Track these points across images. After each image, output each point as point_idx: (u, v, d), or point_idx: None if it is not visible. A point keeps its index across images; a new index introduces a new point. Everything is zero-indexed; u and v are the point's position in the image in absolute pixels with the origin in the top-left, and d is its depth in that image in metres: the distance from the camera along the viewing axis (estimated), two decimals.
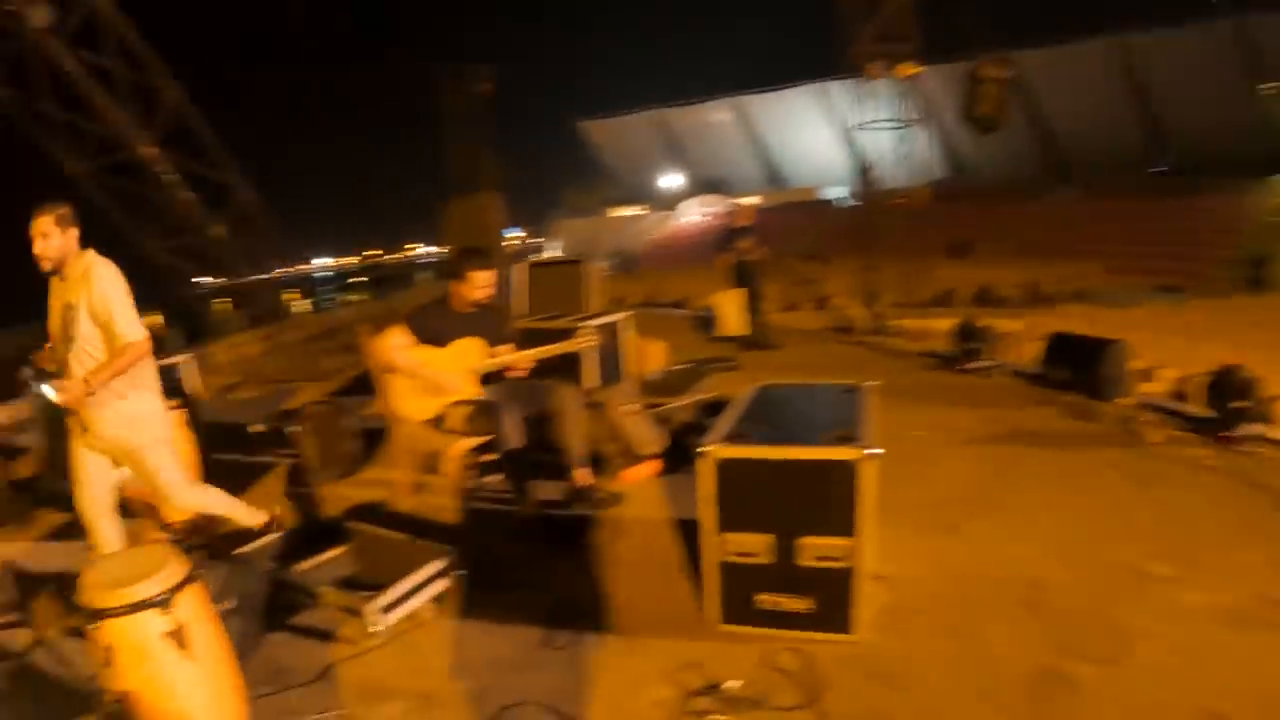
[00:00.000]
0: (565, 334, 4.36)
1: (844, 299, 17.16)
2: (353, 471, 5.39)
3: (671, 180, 49.44)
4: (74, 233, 3.45)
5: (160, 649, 2.24)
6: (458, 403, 4.24)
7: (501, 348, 4.49)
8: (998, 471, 4.74)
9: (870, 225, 11.60)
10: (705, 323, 11.53)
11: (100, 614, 2.23)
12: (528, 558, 3.91)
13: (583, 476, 4.31)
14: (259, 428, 6.54)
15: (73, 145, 7.62)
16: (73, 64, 6.85)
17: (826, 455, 2.86)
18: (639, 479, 4.71)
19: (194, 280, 9.19)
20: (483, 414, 4.15)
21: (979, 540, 3.81)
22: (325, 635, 3.27)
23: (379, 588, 3.22)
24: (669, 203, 46.93)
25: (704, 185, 46.90)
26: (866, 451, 2.80)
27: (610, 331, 5.07)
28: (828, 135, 43.39)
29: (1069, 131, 36.77)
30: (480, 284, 4.26)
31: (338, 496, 5.06)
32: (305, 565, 3.64)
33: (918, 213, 11.05)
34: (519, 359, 4.36)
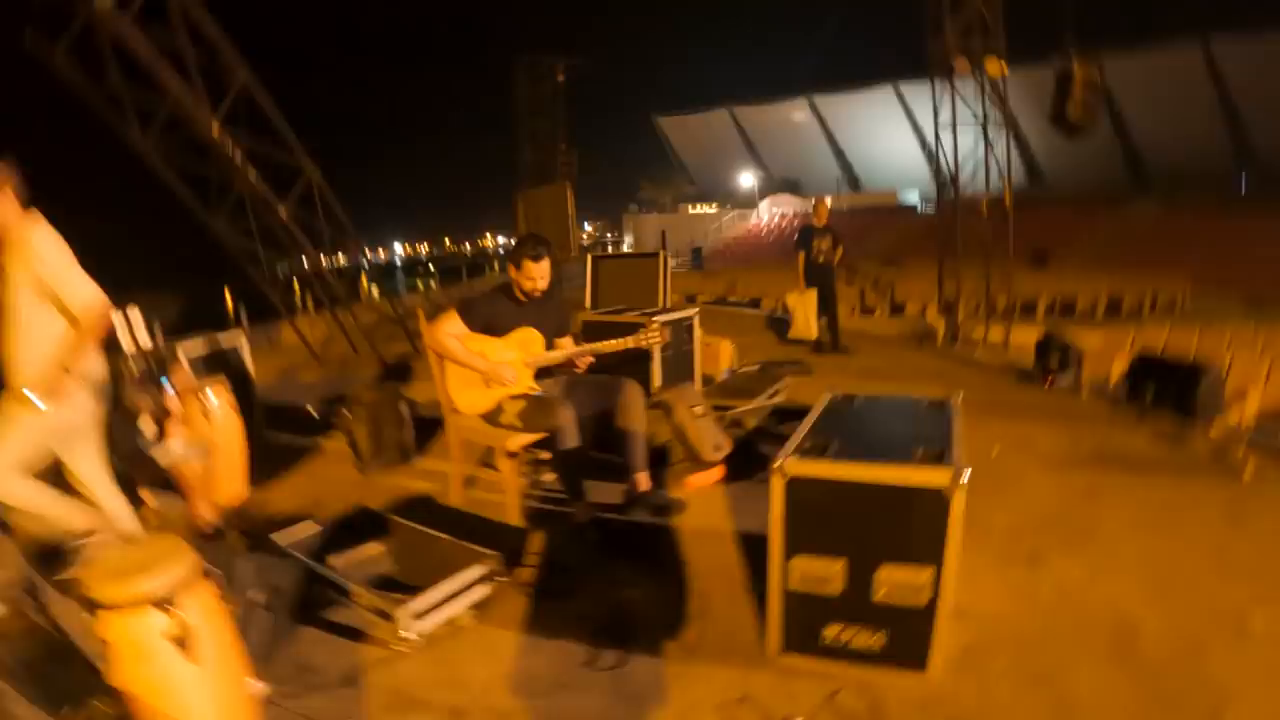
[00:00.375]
0: (632, 328, 4.05)
1: (919, 306, 16.69)
2: (404, 460, 5.19)
3: (745, 179, 49.03)
4: (10, 193, 2.98)
5: (161, 650, 2.02)
6: (513, 396, 4.00)
7: (562, 340, 4.23)
8: (1083, 498, 4.34)
9: (949, 230, 11.07)
10: (778, 323, 11.17)
11: (97, 605, 2.02)
12: (579, 565, 3.64)
13: (643, 480, 4.03)
14: (314, 411, 6.43)
15: (139, 123, 7.58)
16: (139, 42, 6.78)
17: (914, 478, 2.52)
18: (702, 486, 4.41)
19: (262, 260, 9.10)
20: (539, 410, 3.89)
21: (1064, 574, 3.44)
22: (357, 635, 3.05)
23: (416, 590, 2.98)
24: (742, 201, 46.59)
25: (778, 185, 46.45)
26: (960, 476, 2.46)
27: (680, 329, 4.75)
28: (905, 138, 42.58)
29: (1149, 139, 35.09)
30: (534, 274, 3.98)
31: (386, 485, 4.88)
32: (341, 560, 3.42)
33: (997, 219, 10.48)
34: (580, 353, 4.08)
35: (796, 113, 46.82)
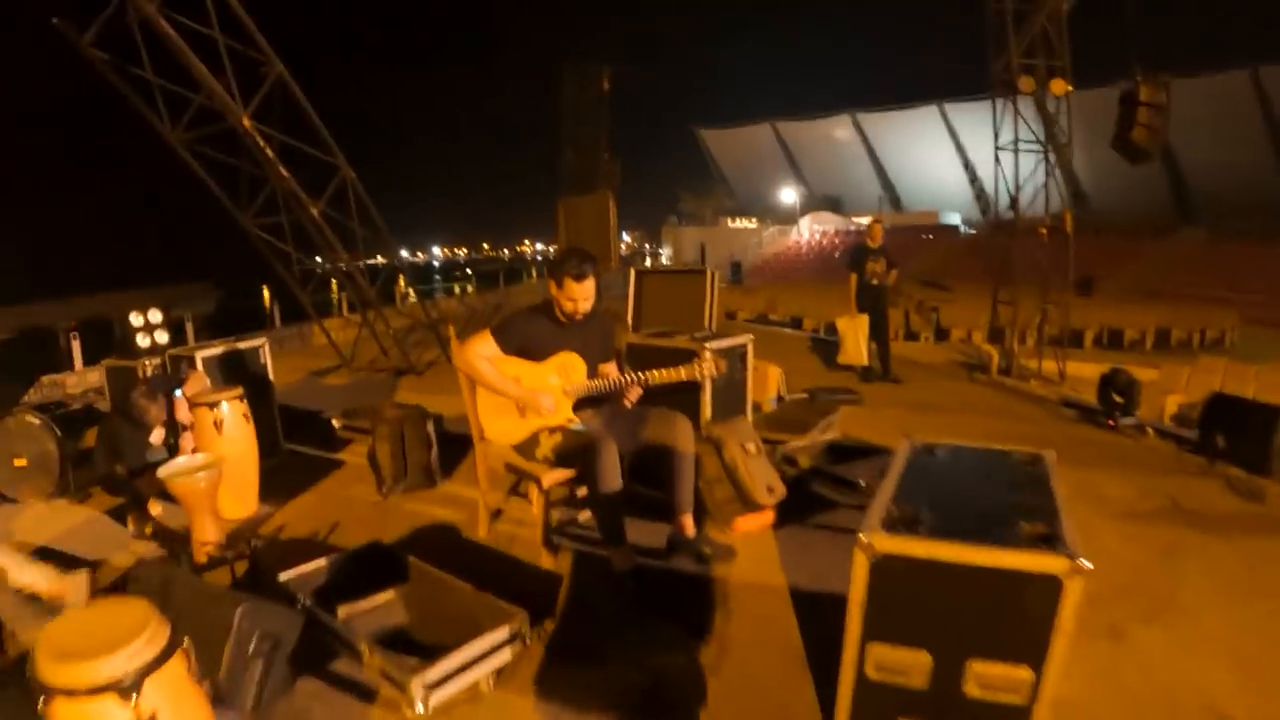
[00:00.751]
0: (685, 357, 3.63)
1: (964, 332, 16.14)
2: (428, 484, 4.83)
3: (786, 194, 48.68)
4: None
5: None
6: (549, 429, 3.60)
7: (606, 367, 3.83)
8: (1161, 558, 3.87)
9: (1001, 254, 10.57)
10: (823, 346, 10.72)
11: (48, 690, 1.66)
12: (614, 620, 3.24)
13: (688, 524, 3.62)
14: (337, 421, 6.11)
15: (169, 114, 7.33)
16: (169, 29, 6.52)
17: (1023, 563, 2.10)
18: (752, 531, 4.00)
19: (296, 259, 8.83)
20: (578, 445, 3.48)
21: (1149, 651, 3.00)
22: (364, 693, 2.68)
23: (432, 649, 2.60)
24: (782, 217, 46.19)
25: (819, 202, 46.10)
26: (1079, 564, 2.04)
27: (734, 357, 4.32)
28: (948, 159, 42.08)
29: (1195, 167, 34.20)
30: (576, 294, 3.53)
31: (408, 511, 4.53)
32: (350, 609, 3.04)
33: (1044, 244, 10.00)
34: (627, 384, 3.66)
35: (839, 129, 46.62)
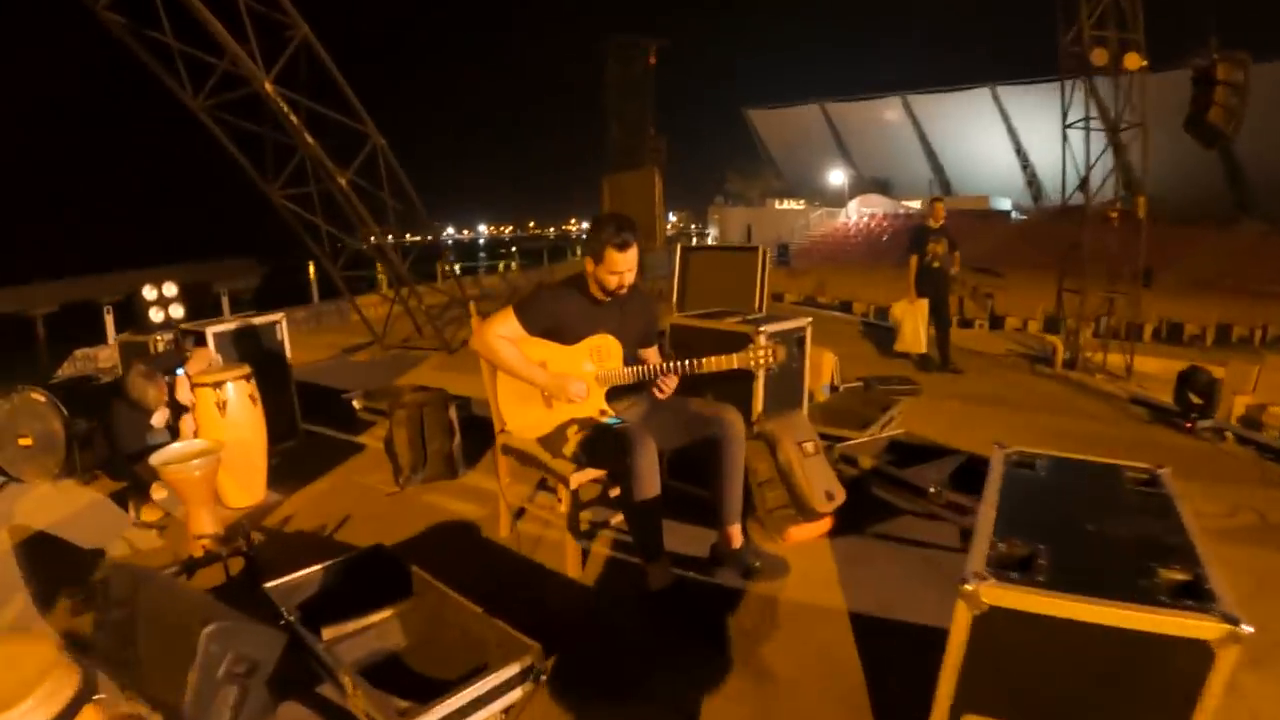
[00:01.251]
0: (738, 342, 3.13)
1: (1020, 320, 15.42)
2: (449, 474, 4.43)
3: (835, 176, 47.86)
4: None
5: None
6: (578, 422, 3.14)
7: (647, 352, 3.36)
8: (1260, 588, 3.31)
9: (1068, 240, 9.89)
10: (875, 331, 10.16)
11: None
12: (648, 644, 2.80)
13: (735, 535, 3.17)
14: (358, 403, 5.74)
15: (189, 79, 6.98)
16: None
17: (1169, 626, 1.62)
18: (806, 540, 3.53)
19: (327, 232, 8.48)
20: (611, 442, 2.99)
21: (1262, 701, 2.51)
22: None
23: (429, 683, 2.19)
24: (830, 199, 45.38)
25: (868, 184, 45.26)
26: (1238, 630, 1.57)
27: (790, 342, 3.82)
28: (999, 143, 41.08)
29: (1252, 156, 32.51)
30: (618, 265, 3.04)
31: (425, 504, 4.13)
32: (338, 630, 2.62)
33: (1114, 230, 9.33)
34: (668, 372, 3.15)
35: (889, 111, 45.82)
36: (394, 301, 9.64)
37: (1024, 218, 37.15)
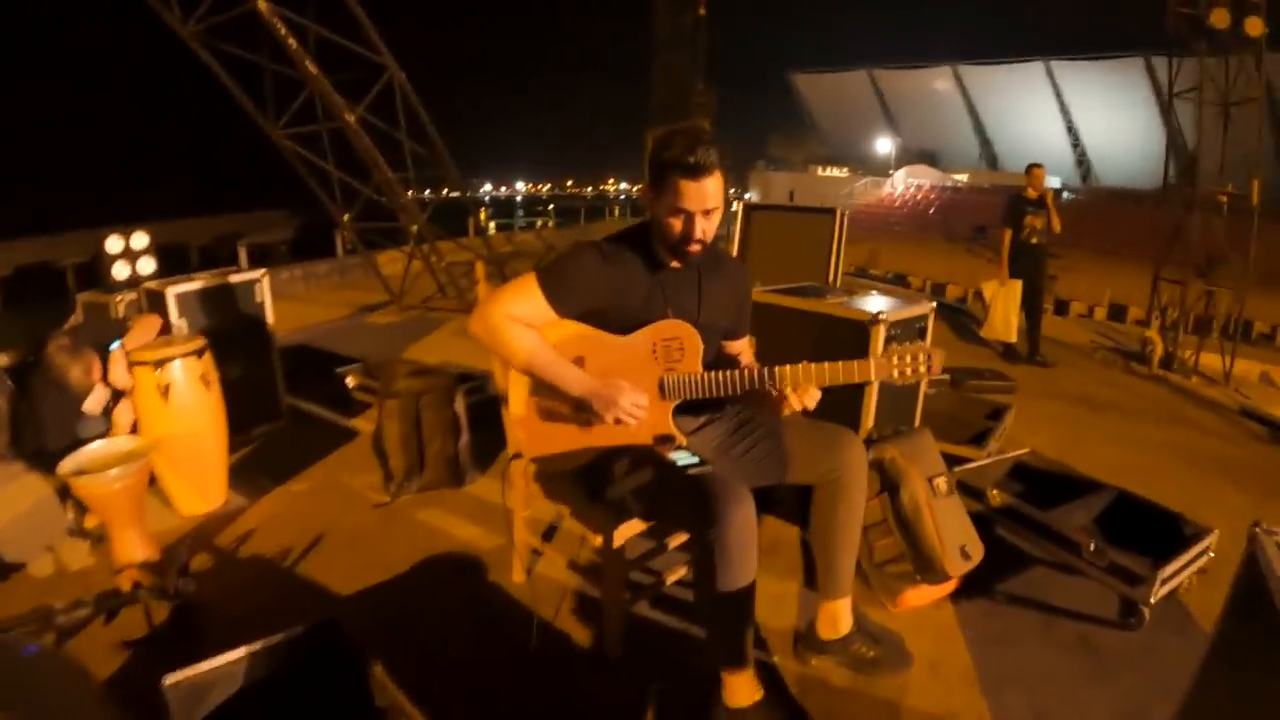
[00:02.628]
0: (848, 331, 2.10)
1: (1084, 306, 14.28)
2: (454, 481, 3.51)
3: (881, 145, 46.67)
4: None
5: None
6: (630, 454, 2.06)
7: (736, 345, 2.32)
8: None
9: (1173, 225, 8.76)
10: (941, 310, 9.10)
11: None
12: None
13: (842, 615, 2.21)
14: (352, 379, 4.85)
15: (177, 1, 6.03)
16: None
17: None
18: (922, 606, 2.58)
19: (334, 180, 7.56)
20: (682, 492, 1.89)
21: None
22: None
23: None
24: (875, 168, 44.25)
25: (914, 155, 44.14)
26: None
27: (912, 332, 2.81)
28: (1051, 120, 39.71)
29: None
30: (693, 200, 1.90)
31: (418, 523, 3.22)
32: None
33: (1223, 216, 8.26)
34: (786, 384, 1.98)
35: (939, 81, 44.78)
36: (411, 256, 8.67)
37: (1074, 197, 35.90)
